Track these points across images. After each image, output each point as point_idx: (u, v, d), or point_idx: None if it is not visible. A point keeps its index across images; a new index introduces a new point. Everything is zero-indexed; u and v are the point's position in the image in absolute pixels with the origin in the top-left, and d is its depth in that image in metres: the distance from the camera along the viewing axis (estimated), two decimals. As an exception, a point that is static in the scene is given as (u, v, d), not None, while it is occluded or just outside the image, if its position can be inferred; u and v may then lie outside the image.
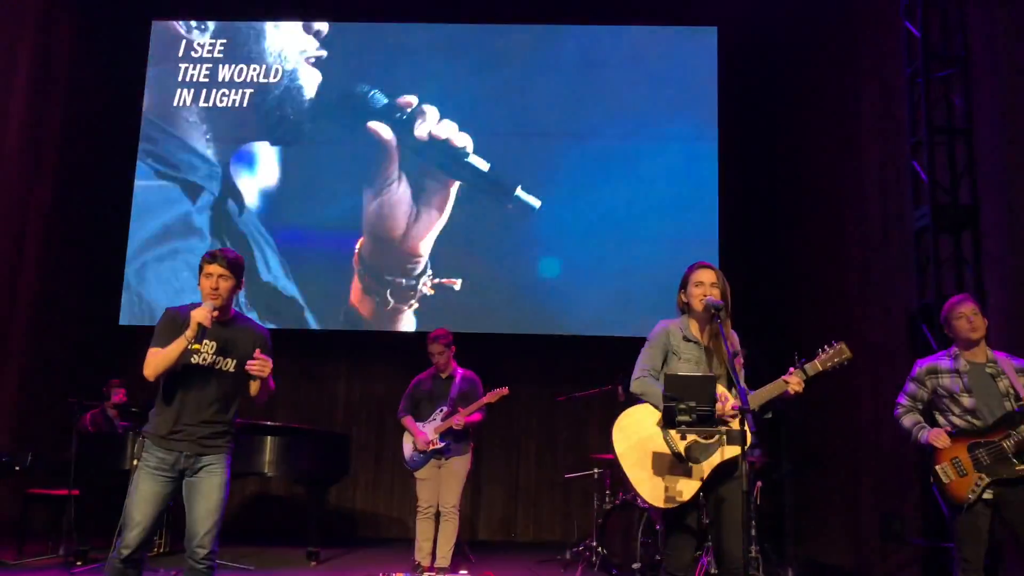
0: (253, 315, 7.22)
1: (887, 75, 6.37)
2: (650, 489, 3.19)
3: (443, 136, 8.09)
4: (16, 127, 7.43)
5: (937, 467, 3.61)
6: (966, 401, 3.68)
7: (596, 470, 6.35)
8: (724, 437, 3.13)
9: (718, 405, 3.01)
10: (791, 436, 6.65)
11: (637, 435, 3.27)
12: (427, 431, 5.51)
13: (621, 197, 7.94)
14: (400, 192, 8.06)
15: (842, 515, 6.71)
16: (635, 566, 5.69)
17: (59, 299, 7.87)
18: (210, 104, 8.32)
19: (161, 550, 6.32)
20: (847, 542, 6.57)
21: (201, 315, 3.32)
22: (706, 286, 3.32)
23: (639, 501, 5.85)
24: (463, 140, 8.08)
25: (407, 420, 5.65)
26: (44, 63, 7.75)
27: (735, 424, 3.02)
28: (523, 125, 8.09)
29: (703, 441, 3.14)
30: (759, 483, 5.79)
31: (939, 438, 3.65)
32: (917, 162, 5.64)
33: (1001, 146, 5.13)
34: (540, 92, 8.15)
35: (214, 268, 3.44)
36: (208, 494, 3.40)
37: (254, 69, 8.37)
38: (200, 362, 3.41)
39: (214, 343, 3.42)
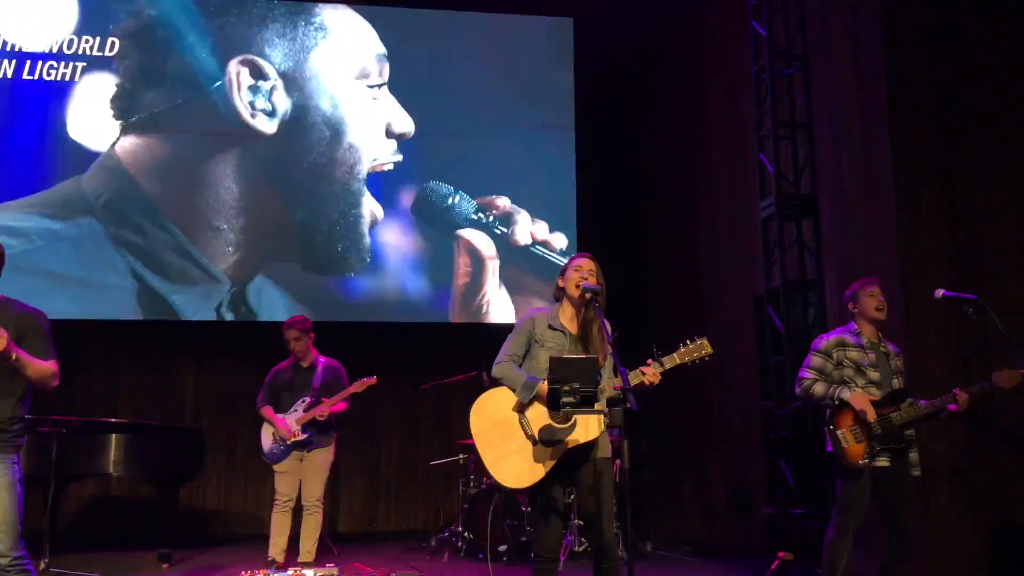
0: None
1: (735, 72, 6.72)
2: (501, 469, 3.25)
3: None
4: None
5: (838, 432, 3.79)
6: (872, 374, 3.89)
7: (461, 456, 6.36)
8: (576, 420, 3.20)
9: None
10: (646, 416, 6.93)
11: (493, 417, 3.33)
12: (289, 422, 5.33)
13: (481, 188, 7.94)
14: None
15: (695, 490, 7.09)
16: (501, 548, 5.76)
17: None
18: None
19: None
20: (700, 515, 6.94)
21: None
22: (584, 271, 3.39)
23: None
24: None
25: (267, 411, 5.43)
26: None
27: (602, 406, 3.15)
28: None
29: (557, 425, 3.21)
30: (618, 462, 5.99)
31: (861, 400, 3.77)
32: (764, 154, 5.99)
33: (834, 140, 5.54)
34: (392, 84, 7.98)
35: None
36: None
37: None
38: None
39: None
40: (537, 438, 3.22)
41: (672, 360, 3.32)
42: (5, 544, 3.08)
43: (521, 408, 3.27)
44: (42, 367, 3.15)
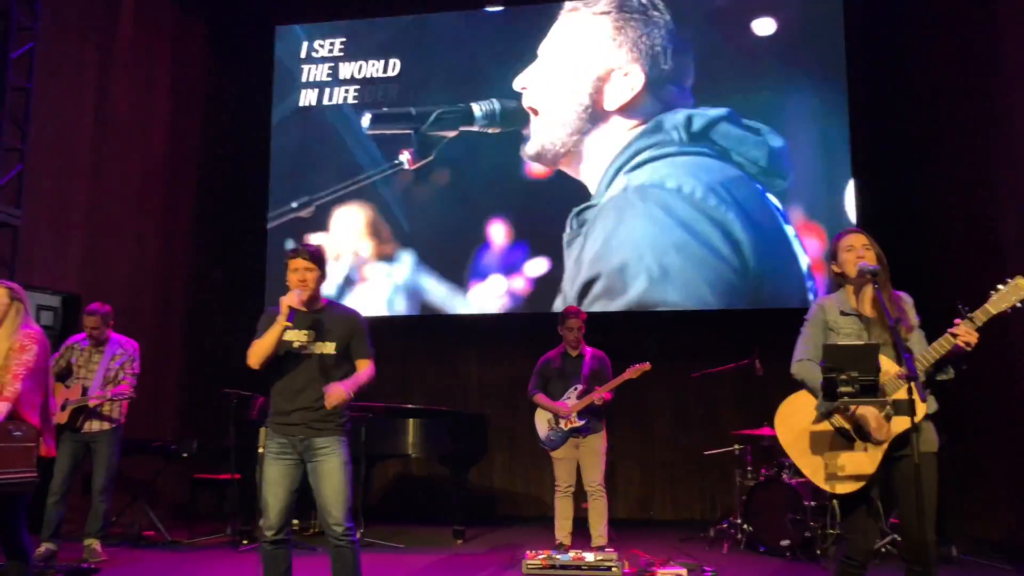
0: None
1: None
2: (825, 476, 3.08)
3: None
4: (161, 136, 7.89)
5: None
6: None
7: (736, 446, 6.24)
8: (890, 409, 2.96)
9: None
10: (945, 406, 6.33)
11: (802, 423, 3.16)
12: (567, 404, 5.56)
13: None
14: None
15: (1007, 490, 6.35)
16: (784, 543, 5.58)
17: (208, 297, 8.35)
18: (333, 102, 8.56)
19: (316, 531, 6.63)
20: (1015, 518, 6.21)
21: (289, 299, 3.57)
22: (857, 249, 3.16)
23: (785, 477, 5.74)
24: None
25: (540, 397, 5.71)
26: (180, 76, 8.19)
27: (902, 394, 2.84)
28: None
29: (873, 421, 2.98)
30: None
31: None
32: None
33: None
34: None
35: (298, 263, 3.66)
36: (329, 475, 3.58)
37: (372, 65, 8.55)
38: (301, 350, 3.62)
39: (312, 331, 3.63)
40: (855, 436, 3.04)
41: (986, 312, 2.95)
42: (341, 514, 3.56)
43: (831, 415, 3.08)
44: (365, 378, 3.68)
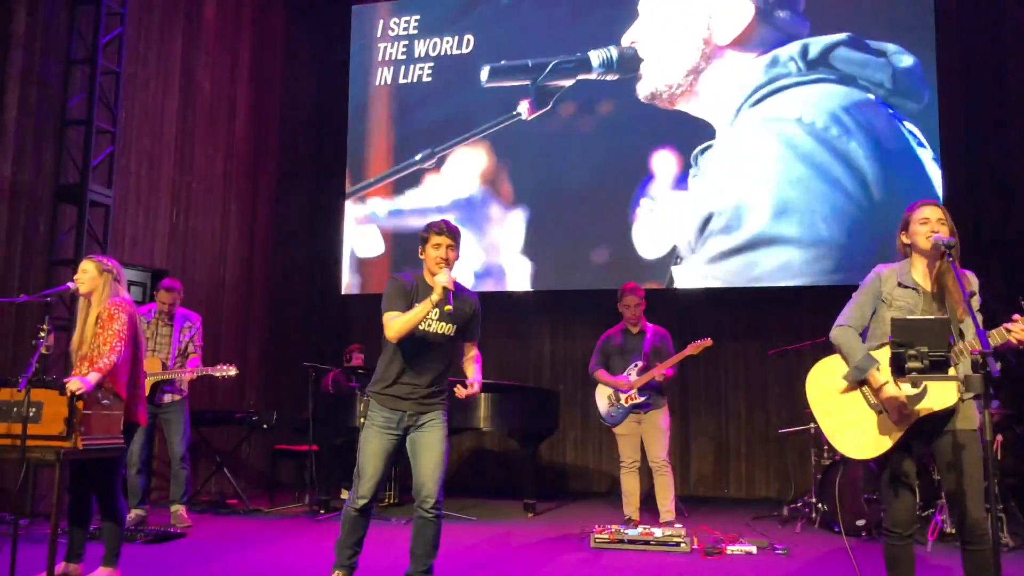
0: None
1: None
2: (842, 438, 3.12)
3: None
4: (244, 117, 8.14)
5: None
6: None
7: (812, 424, 6.10)
8: (927, 386, 2.89)
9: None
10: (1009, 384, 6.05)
11: (832, 384, 3.16)
12: (628, 379, 5.55)
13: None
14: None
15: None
16: (859, 523, 5.46)
17: (289, 274, 8.61)
18: (409, 80, 8.65)
19: (391, 501, 6.80)
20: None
21: (446, 280, 3.49)
22: (932, 222, 3.04)
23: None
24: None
25: (601, 373, 5.72)
26: (261, 57, 8.41)
27: (965, 371, 2.77)
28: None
29: (906, 391, 2.93)
30: (999, 437, 5.34)
31: None
32: None
33: None
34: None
35: (442, 239, 3.61)
36: (431, 448, 3.61)
37: (447, 42, 8.60)
38: (426, 328, 3.61)
39: (436, 310, 3.59)
40: (883, 406, 3.01)
41: None
42: (435, 487, 3.59)
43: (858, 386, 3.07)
44: (480, 367, 3.80)
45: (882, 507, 3.25)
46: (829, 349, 3.20)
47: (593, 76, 7.96)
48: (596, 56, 7.95)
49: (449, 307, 3.48)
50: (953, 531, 5.19)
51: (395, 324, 3.55)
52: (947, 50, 7.31)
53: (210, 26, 7.74)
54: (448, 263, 3.59)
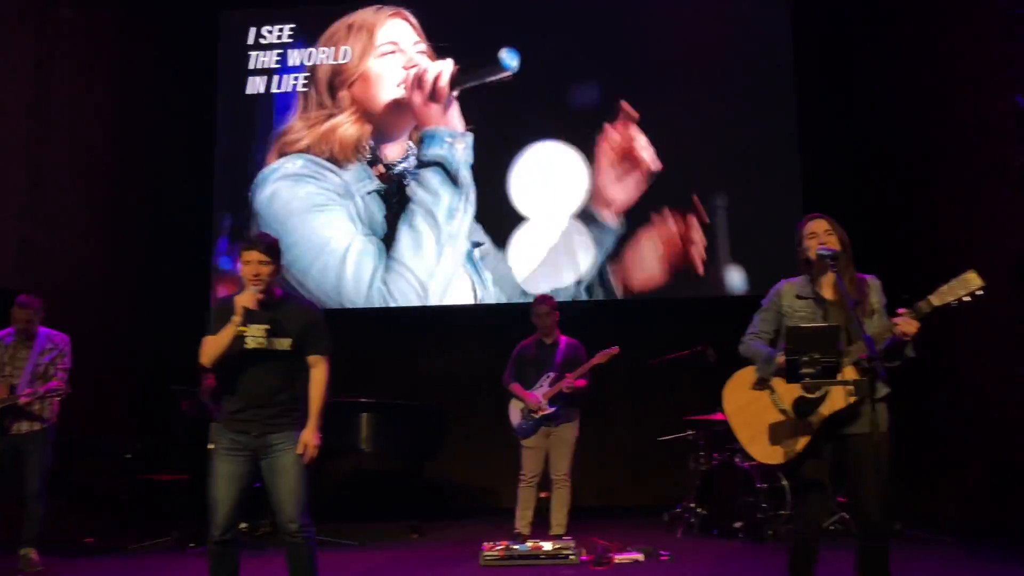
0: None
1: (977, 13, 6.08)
2: (756, 446, 3.22)
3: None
4: (105, 131, 7.66)
5: None
6: None
7: (689, 432, 6.28)
8: (829, 391, 3.02)
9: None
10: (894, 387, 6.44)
11: (745, 396, 3.27)
12: (537, 395, 5.54)
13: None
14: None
15: (948, 466, 6.50)
16: (736, 525, 5.63)
17: (155, 293, 8.09)
18: (280, 89, 8.38)
19: (267, 530, 6.48)
20: (954, 494, 6.36)
21: (246, 299, 3.43)
22: (820, 235, 3.20)
23: (737, 461, 5.79)
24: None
25: (515, 386, 5.69)
26: (124, 67, 7.94)
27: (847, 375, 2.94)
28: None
29: (808, 396, 3.05)
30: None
31: None
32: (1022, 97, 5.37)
33: None
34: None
35: (252, 255, 3.50)
36: (286, 471, 3.49)
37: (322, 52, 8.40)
38: (256, 346, 3.49)
39: (266, 326, 3.49)
40: (790, 411, 3.11)
41: (928, 304, 2.93)
42: (295, 511, 3.47)
43: (767, 383, 3.18)
44: (324, 385, 3.61)
45: (794, 511, 3.37)
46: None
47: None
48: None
49: (243, 329, 3.42)
50: (834, 528, 5.40)
51: (203, 349, 3.52)
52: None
53: (66, 29, 7.22)
54: (260, 279, 3.47)
